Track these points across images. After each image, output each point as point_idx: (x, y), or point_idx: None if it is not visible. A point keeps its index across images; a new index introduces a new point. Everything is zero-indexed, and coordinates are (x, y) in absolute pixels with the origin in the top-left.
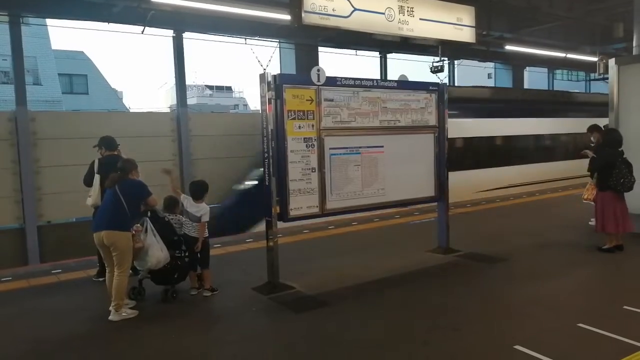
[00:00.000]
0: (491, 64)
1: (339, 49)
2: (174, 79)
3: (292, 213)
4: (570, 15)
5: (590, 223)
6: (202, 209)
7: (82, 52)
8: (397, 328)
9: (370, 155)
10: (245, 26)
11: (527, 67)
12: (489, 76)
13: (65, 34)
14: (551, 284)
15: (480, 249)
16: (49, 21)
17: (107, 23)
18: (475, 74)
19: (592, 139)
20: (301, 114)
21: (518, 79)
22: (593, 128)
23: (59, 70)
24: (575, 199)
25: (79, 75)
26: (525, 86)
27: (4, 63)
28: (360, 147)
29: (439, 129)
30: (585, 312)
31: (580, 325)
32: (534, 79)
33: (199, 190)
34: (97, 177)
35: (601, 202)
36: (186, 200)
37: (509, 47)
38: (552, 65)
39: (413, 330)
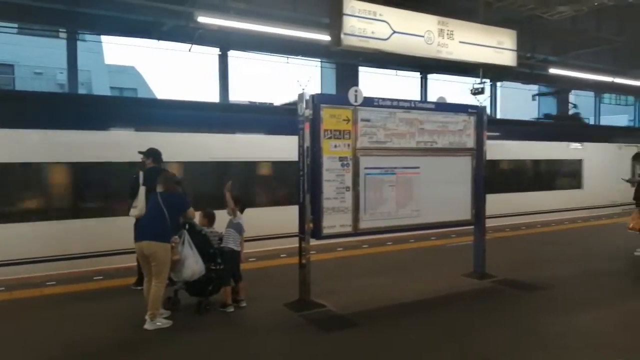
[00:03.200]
0: (535, 86)
1: (379, 69)
2: (218, 94)
3: (326, 231)
4: (619, 38)
5: (636, 253)
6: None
7: (132, 67)
8: (425, 354)
9: (405, 176)
10: (287, 45)
11: (572, 90)
12: (533, 98)
13: (117, 50)
14: (592, 316)
15: (517, 275)
16: (103, 37)
17: (157, 40)
18: (519, 96)
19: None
20: (337, 133)
21: (563, 101)
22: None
23: (111, 83)
24: (618, 227)
25: (129, 88)
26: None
27: (60, 76)
28: (395, 168)
29: (477, 152)
30: (627, 350)
31: None
32: (579, 102)
33: (245, 204)
34: (142, 189)
35: None
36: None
37: (552, 70)
38: (599, 89)
39: (441, 357)
